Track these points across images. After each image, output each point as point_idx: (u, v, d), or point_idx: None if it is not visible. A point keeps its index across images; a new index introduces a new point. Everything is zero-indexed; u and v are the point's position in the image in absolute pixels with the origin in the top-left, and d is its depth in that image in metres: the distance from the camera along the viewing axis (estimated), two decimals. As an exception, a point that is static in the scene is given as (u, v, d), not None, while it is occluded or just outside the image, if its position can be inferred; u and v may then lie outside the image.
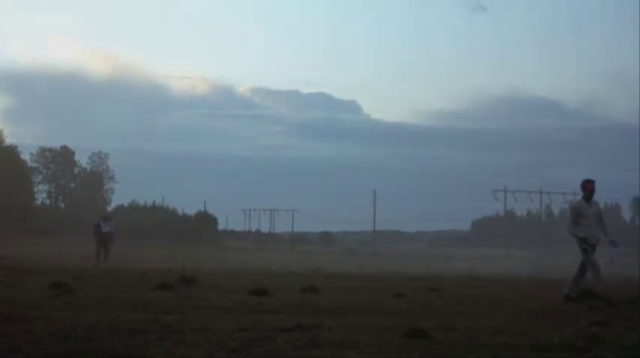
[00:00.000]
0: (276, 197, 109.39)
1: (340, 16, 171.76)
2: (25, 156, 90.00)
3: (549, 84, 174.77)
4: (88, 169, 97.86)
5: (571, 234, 13.40)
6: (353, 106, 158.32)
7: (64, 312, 9.27)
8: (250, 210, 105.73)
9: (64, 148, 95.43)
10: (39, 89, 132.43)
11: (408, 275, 22.59)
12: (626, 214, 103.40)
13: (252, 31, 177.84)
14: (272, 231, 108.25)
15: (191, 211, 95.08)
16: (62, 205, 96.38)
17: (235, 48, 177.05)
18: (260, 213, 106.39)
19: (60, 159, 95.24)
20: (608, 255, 33.67)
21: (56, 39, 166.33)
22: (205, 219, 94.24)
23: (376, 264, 37.04)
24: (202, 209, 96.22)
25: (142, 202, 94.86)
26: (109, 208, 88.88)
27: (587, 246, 13.20)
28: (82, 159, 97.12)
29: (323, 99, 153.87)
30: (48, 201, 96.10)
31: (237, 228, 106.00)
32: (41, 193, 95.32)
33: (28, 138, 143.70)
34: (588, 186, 13.45)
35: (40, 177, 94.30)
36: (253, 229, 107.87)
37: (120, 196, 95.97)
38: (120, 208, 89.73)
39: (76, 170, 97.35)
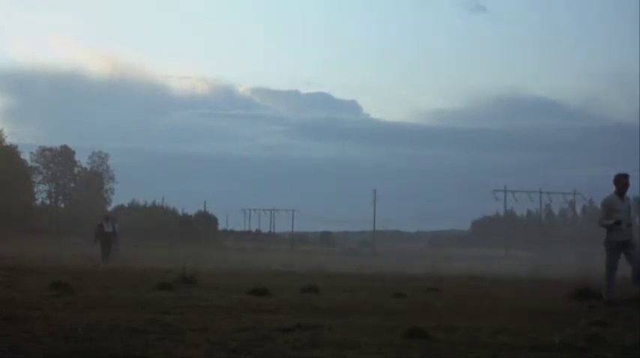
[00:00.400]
0: (276, 197, 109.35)
1: (340, 16, 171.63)
2: (25, 156, 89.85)
3: (549, 84, 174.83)
4: (88, 169, 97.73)
5: (601, 226, 12.80)
6: (353, 106, 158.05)
7: (64, 312, 9.27)
8: (250, 210, 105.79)
9: (64, 148, 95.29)
10: (39, 89, 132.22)
11: (408, 276, 22.57)
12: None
13: (252, 31, 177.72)
14: (272, 231, 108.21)
15: (191, 211, 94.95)
16: (62, 205, 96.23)
17: (235, 48, 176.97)
18: (260, 213, 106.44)
19: (60, 159, 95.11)
20: None
21: (56, 39, 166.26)
22: (205, 219, 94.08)
23: (376, 264, 36.94)
24: (202, 209, 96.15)
25: (142, 202, 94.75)
26: (109, 208, 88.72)
27: (611, 247, 12.70)
28: (82, 159, 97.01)
29: (323, 99, 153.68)
30: (48, 201, 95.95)
31: (237, 228, 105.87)
32: (41, 193, 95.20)
33: (28, 138, 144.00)
34: (622, 181, 12.84)
35: (40, 177, 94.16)
36: (253, 229, 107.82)
37: (120, 196, 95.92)
38: (120, 208, 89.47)
39: (76, 170, 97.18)
